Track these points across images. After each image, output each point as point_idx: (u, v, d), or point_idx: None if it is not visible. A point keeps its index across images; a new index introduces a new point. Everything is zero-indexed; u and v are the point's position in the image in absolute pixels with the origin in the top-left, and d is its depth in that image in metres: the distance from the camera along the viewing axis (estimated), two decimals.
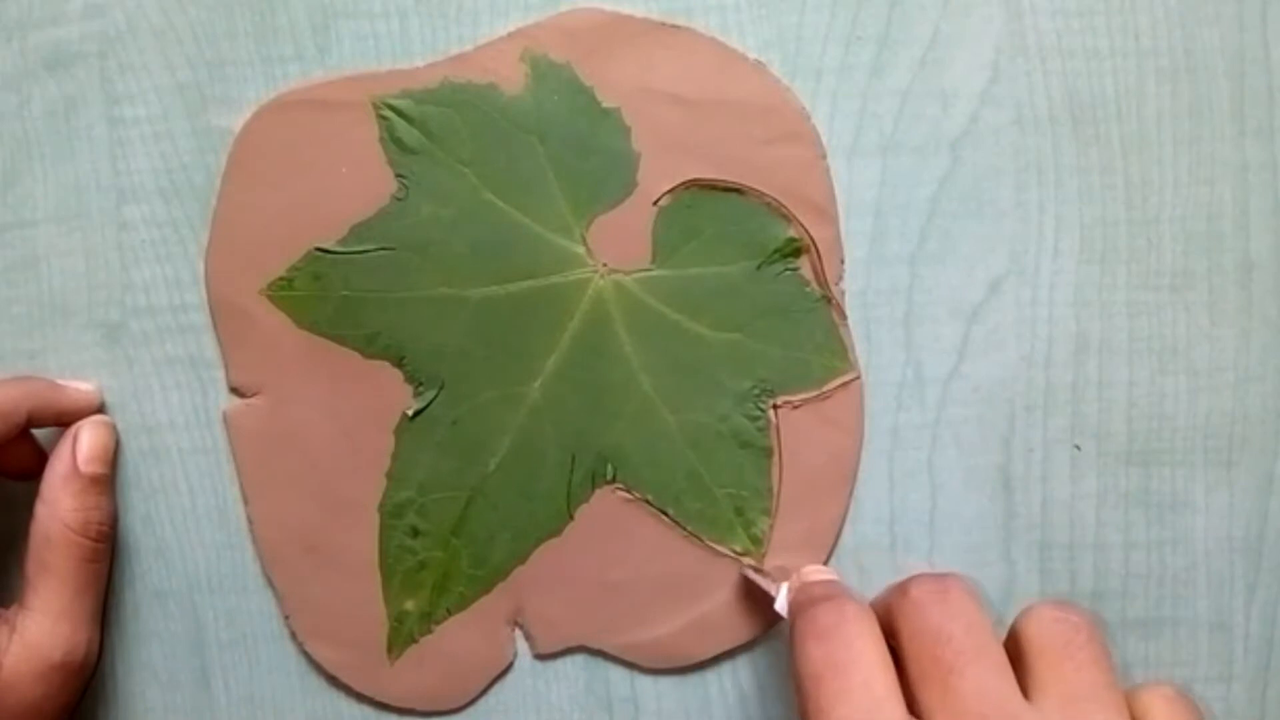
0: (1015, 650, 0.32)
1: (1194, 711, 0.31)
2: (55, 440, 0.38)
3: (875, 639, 0.31)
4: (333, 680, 0.38)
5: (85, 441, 0.37)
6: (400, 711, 0.38)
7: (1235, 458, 0.37)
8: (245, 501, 0.38)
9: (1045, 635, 0.32)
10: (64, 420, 0.38)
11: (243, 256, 0.38)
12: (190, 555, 0.39)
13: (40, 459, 0.38)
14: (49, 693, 0.36)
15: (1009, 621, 0.38)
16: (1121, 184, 0.37)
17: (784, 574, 0.37)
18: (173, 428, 0.39)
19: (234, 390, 0.38)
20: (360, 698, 0.38)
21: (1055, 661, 0.31)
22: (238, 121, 0.38)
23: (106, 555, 0.38)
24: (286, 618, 0.38)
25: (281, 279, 0.38)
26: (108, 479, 0.38)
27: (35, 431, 0.38)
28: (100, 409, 0.39)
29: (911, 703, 0.30)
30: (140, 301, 0.39)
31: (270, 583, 0.38)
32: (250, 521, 0.38)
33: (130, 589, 0.39)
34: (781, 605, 0.35)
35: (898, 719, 0.30)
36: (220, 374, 0.38)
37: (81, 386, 0.38)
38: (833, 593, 0.33)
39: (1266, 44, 0.37)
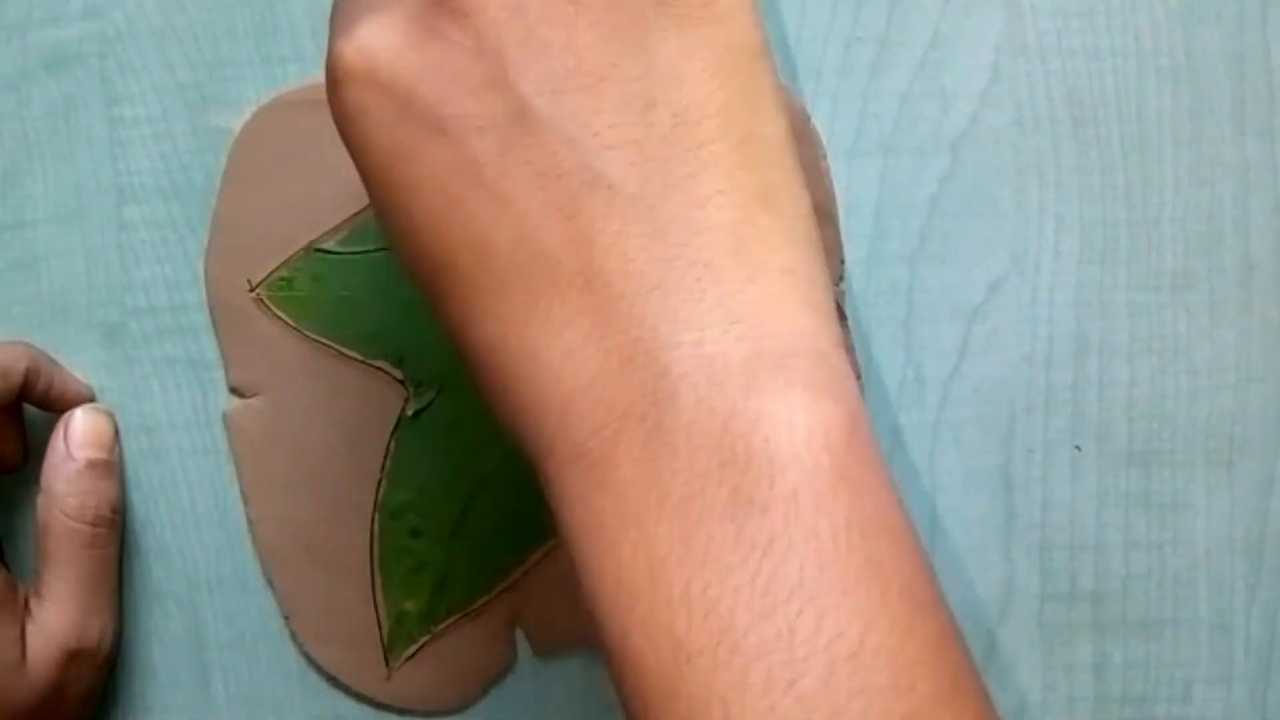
0: None
1: None
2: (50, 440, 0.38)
3: None
4: (333, 680, 0.38)
5: (76, 426, 0.37)
6: (400, 712, 0.38)
7: (1236, 458, 0.37)
8: (245, 502, 0.38)
9: None
10: (55, 399, 0.38)
11: (243, 257, 0.38)
12: (190, 555, 0.39)
13: (25, 449, 0.38)
14: (69, 678, 0.36)
15: (1009, 622, 0.38)
16: (1121, 184, 0.37)
17: None
18: (173, 428, 0.39)
19: (234, 390, 0.38)
20: (360, 698, 0.38)
21: None
22: (238, 121, 0.38)
23: (111, 542, 0.37)
24: (286, 618, 0.38)
25: (281, 279, 0.38)
26: (105, 464, 0.37)
27: (33, 431, 0.38)
28: (92, 402, 0.38)
29: None
30: (140, 301, 0.39)
31: (270, 583, 0.38)
32: (250, 522, 0.38)
33: (130, 589, 0.39)
34: None
35: None
36: (220, 374, 0.38)
37: (77, 375, 0.38)
38: None
39: (1266, 44, 0.37)
